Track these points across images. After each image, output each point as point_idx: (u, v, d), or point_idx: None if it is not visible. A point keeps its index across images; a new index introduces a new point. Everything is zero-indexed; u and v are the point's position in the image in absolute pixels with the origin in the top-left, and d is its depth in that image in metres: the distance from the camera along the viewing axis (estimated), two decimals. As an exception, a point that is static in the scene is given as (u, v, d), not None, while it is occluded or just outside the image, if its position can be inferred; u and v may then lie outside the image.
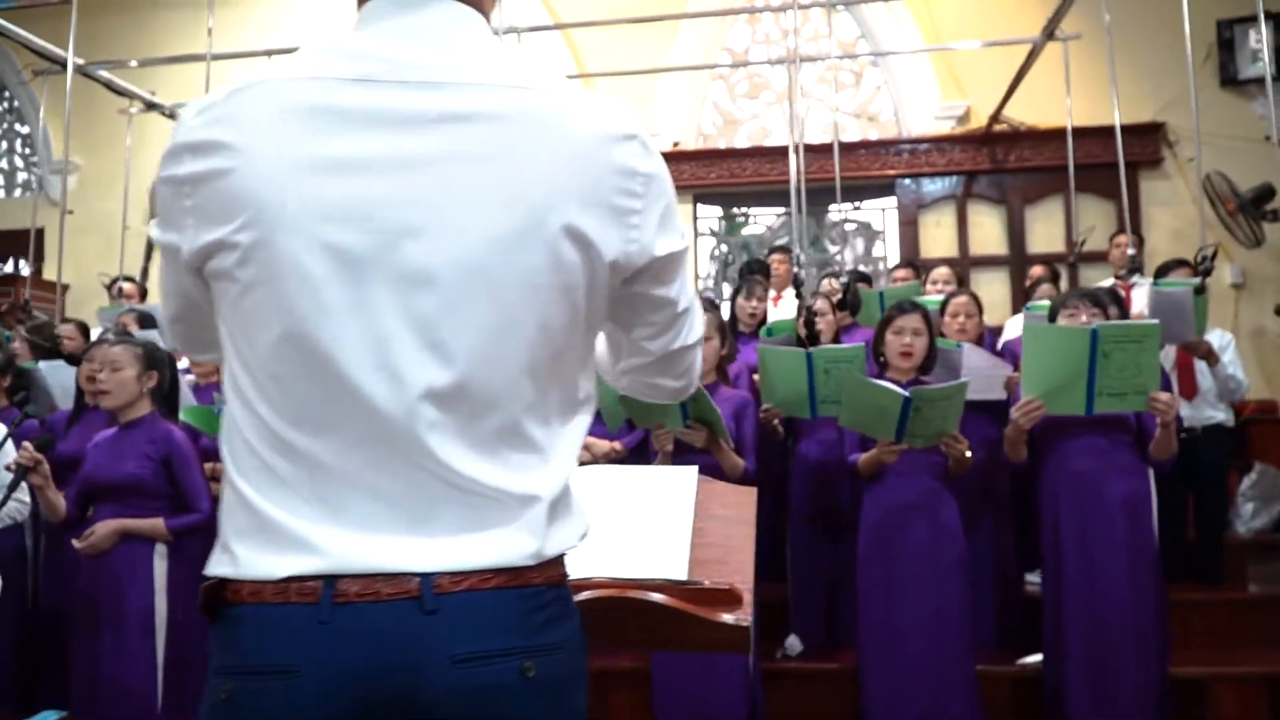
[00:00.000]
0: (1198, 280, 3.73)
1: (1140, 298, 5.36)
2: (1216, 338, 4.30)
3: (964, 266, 6.48)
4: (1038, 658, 3.36)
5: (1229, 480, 4.51)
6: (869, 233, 7.02)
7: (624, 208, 0.92)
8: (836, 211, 6.97)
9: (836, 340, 4.10)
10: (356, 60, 0.90)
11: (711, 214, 7.04)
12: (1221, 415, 4.27)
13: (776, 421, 3.87)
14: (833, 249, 6.95)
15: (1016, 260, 6.36)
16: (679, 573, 1.42)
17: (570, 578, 1.41)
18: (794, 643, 3.73)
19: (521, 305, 0.88)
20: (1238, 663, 3.49)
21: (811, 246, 7.01)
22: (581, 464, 3.27)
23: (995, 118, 6.12)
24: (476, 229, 0.86)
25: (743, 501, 1.59)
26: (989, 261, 6.46)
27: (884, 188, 6.71)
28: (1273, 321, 5.90)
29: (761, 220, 7.19)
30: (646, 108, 6.87)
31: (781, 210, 6.95)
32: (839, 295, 4.28)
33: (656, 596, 1.31)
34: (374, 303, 0.86)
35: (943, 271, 4.67)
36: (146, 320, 5.03)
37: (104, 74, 5.33)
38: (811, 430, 3.88)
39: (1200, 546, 4.31)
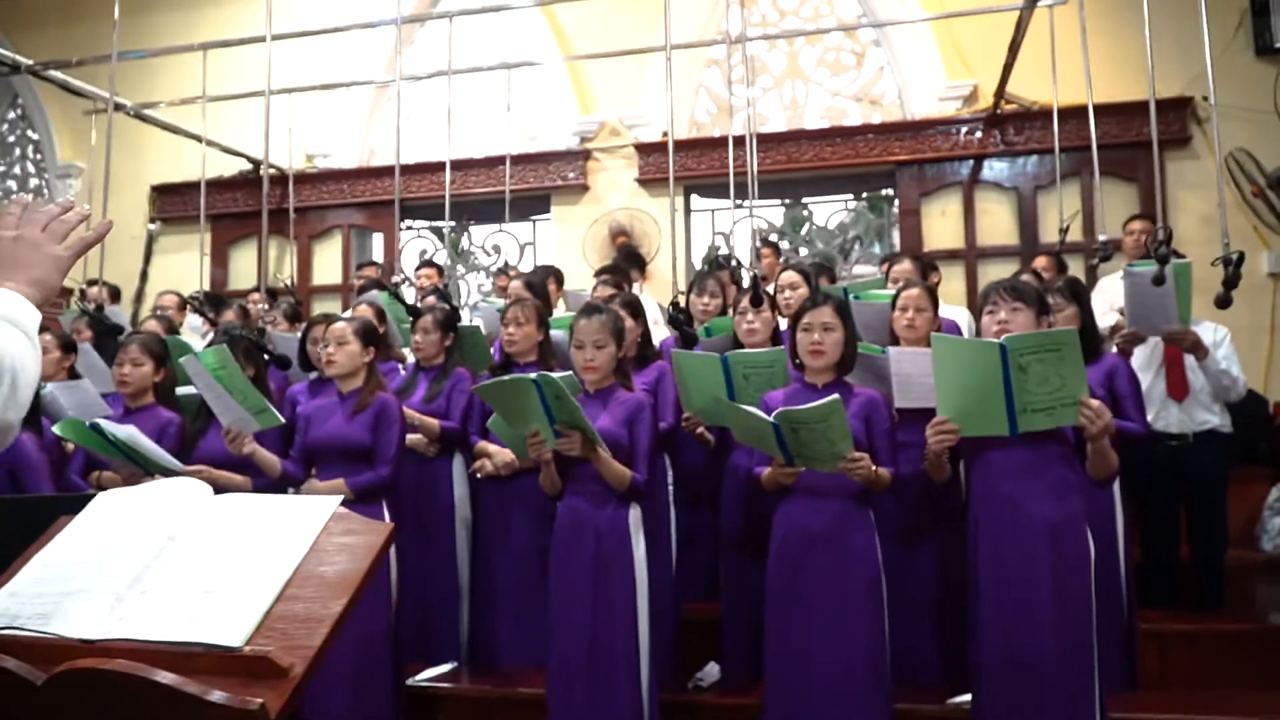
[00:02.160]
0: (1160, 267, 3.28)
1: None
2: (1209, 332, 3.83)
3: (970, 258, 6.04)
4: (969, 696, 2.97)
5: (1228, 491, 4.00)
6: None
7: None
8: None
9: (776, 341, 3.75)
10: None
11: (706, 206, 6.70)
12: (1216, 419, 3.79)
13: (702, 430, 3.57)
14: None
15: (1028, 251, 5.86)
16: (232, 637, 1.15)
17: (86, 638, 1.16)
18: (711, 671, 3.41)
19: None
20: (1195, 708, 3.04)
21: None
22: (481, 475, 3.00)
23: (1000, 95, 5.65)
24: None
25: (368, 541, 1.31)
26: (998, 252, 5.98)
27: (886, 175, 6.28)
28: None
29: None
30: (635, 96, 6.58)
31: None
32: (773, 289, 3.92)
33: (136, 669, 1.04)
34: None
35: (905, 267, 4.26)
36: (97, 326, 4.98)
37: (58, 74, 5.26)
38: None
39: (1195, 568, 3.83)
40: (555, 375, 2.93)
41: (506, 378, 2.98)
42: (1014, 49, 5.02)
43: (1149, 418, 3.83)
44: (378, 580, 3.21)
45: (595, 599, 2.99)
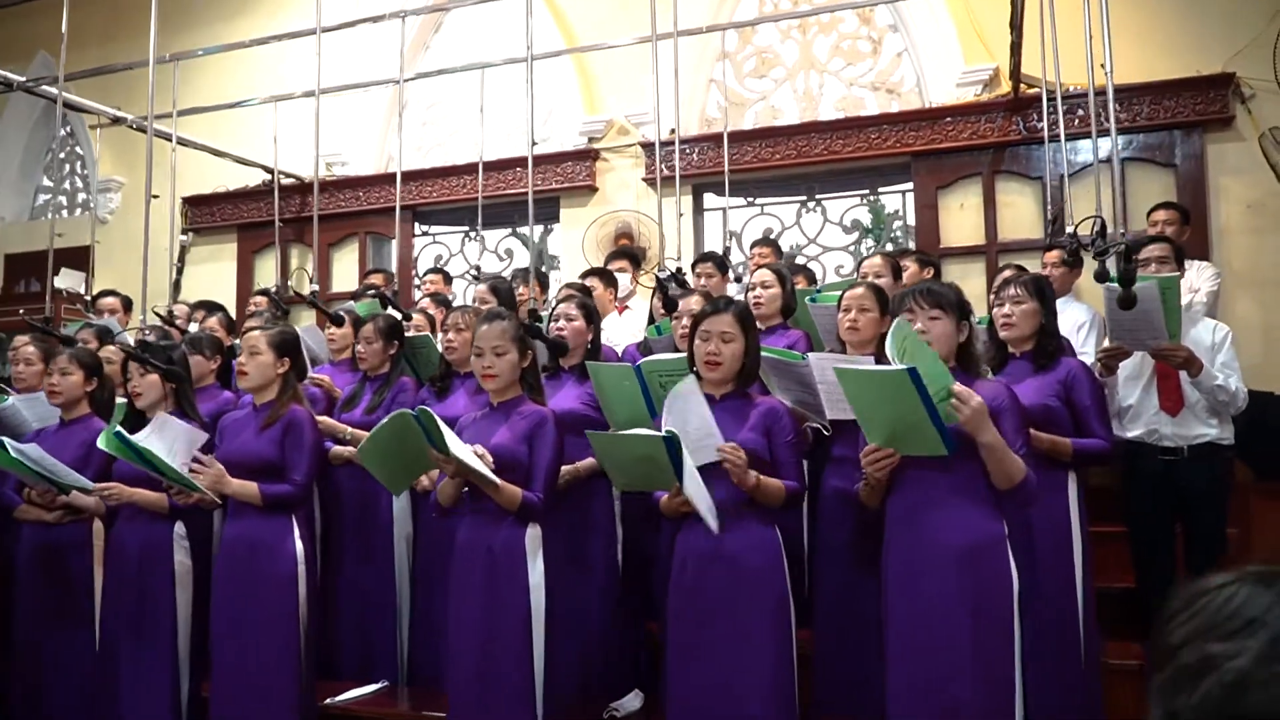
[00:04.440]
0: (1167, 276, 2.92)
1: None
2: (1208, 332, 3.44)
3: (992, 254, 5.64)
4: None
5: (1258, 510, 3.60)
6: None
7: None
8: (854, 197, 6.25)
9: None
10: None
11: (718, 205, 6.44)
12: (1215, 431, 3.40)
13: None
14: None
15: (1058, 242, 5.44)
16: None
17: None
18: (630, 701, 3.21)
19: None
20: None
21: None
22: (420, 490, 2.85)
23: (1016, 79, 5.26)
24: None
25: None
26: (1022, 247, 5.55)
27: (901, 167, 5.93)
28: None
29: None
30: (642, 93, 6.37)
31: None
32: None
33: None
34: None
35: (874, 263, 3.96)
36: (105, 338, 5.05)
37: (50, 90, 5.40)
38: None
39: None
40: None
41: (384, 421, 2.83)
42: (1015, 27, 4.65)
43: (1138, 431, 3.49)
44: (283, 599, 3.11)
45: (487, 621, 2.84)
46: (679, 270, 3.82)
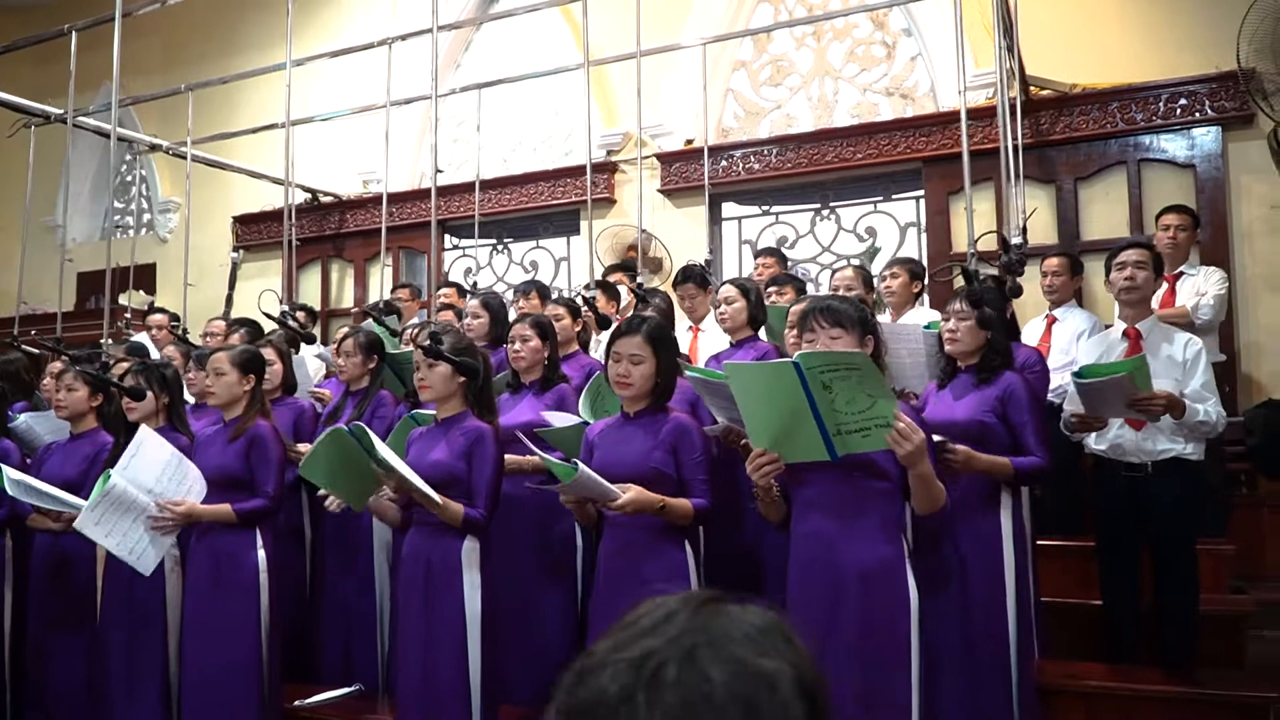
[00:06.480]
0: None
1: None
2: (1180, 348, 3.31)
3: (1003, 259, 5.52)
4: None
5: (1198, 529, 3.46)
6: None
7: None
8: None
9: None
10: None
11: (735, 213, 6.46)
12: (1179, 446, 3.27)
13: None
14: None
15: (1069, 248, 5.30)
16: None
17: None
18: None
19: None
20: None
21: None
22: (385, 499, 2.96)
23: (1022, 81, 5.14)
24: None
25: None
26: (1034, 252, 5.38)
27: (914, 173, 5.85)
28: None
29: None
30: (658, 105, 6.43)
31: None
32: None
33: None
34: None
35: (846, 275, 3.93)
36: (136, 351, 5.36)
37: (90, 121, 5.74)
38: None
39: (1156, 617, 3.34)
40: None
41: (322, 437, 2.96)
42: (1007, 31, 4.55)
43: (1104, 445, 3.39)
44: (245, 608, 3.28)
45: (426, 629, 2.95)
46: (640, 285, 3.87)
